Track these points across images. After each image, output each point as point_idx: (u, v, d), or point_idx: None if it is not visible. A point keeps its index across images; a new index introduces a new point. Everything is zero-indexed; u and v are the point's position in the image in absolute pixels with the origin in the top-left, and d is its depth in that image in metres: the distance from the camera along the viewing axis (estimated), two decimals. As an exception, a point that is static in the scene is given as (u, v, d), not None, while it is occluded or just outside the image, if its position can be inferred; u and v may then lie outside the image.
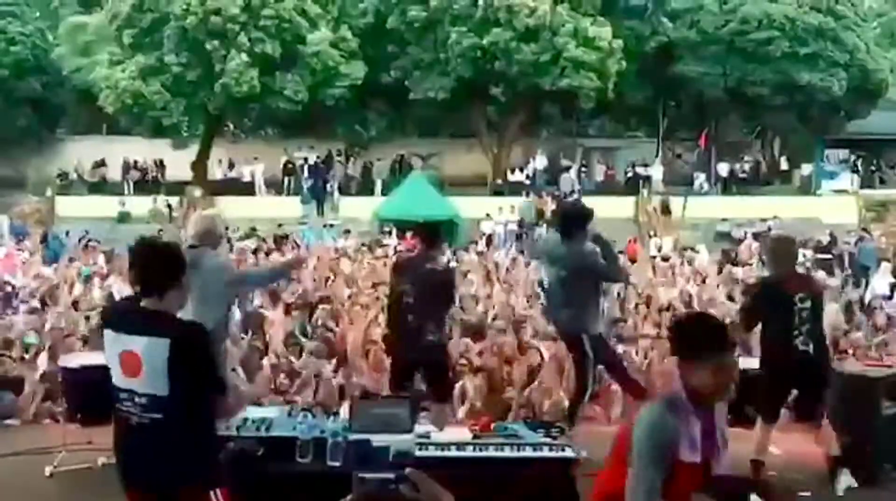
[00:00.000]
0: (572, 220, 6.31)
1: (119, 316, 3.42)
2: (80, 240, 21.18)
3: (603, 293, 6.83)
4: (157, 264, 3.34)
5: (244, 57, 25.25)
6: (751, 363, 6.48)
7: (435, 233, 6.49)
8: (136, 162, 29.15)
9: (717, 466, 2.91)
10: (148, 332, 3.20)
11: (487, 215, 25.13)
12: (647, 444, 2.75)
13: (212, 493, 3.27)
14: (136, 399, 3.22)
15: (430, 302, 5.98)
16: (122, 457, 3.41)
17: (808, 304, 5.25)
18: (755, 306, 5.68)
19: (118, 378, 3.29)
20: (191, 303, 4.70)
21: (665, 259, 18.13)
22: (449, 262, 6.35)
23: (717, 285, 13.44)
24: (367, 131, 29.14)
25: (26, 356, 7.98)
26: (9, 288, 12.33)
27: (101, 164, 29.15)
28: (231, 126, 34.17)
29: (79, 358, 6.03)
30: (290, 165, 28.50)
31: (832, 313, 10.19)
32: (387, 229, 21.62)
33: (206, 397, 3.30)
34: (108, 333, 3.34)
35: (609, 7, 27.18)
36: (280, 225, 22.74)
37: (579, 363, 6.35)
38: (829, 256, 20.42)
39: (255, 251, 17.00)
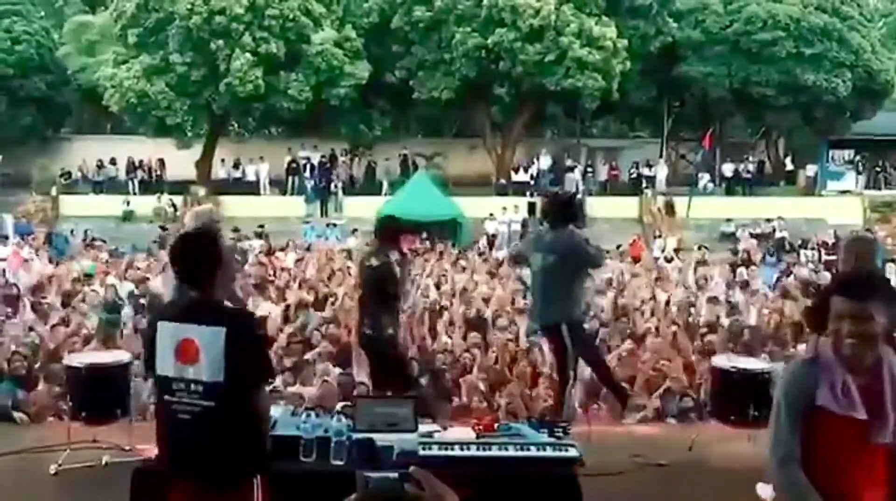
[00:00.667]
0: (560, 207, 6.40)
1: (176, 308, 3.51)
2: (83, 239, 21.27)
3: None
4: (201, 254, 3.42)
5: (248, 56, 25.28)
6: (755, 364, 6.48)
7: (382, 228, 6.60)
8: (140, 161, 29.18)
9: (886, 431, 2.79)
10: (205, 320, 3.32)
11: (491, 214, 25.15)
12: (781, 393, 2.80)
13: (255, 480, 3.38)
14: (192, 387, 3.30)
15: (370, 297, 6.39)
16: (172, 450, 3.45)
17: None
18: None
19: (171, 368, 3.35)
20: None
21: (668, 260, 18.14)
22: (390, 257, 6.41)
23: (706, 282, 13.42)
24: (371, 131, 29.14)
25: (28, 355, 7.98)
26: (14, 287, 12.35)
27: (106, 163, 29.15)
28: (235, 125, 34.29)
29: (84, 357, 6.05)
30: (293, 165, 28.52)
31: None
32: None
33: (256, 387, 3.37)
34: (163, 324, 3.41)
35: (614, 7, 27.15)
36: (261, 226, 22.15)
37: (559, 353, 6.39)
38: (834, 257, 20.37)
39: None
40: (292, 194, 28.19)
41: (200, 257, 3.41)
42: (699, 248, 18.58)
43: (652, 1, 27.01)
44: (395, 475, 1.92)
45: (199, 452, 3.34)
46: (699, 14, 28.06)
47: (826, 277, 15.21)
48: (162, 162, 29.07)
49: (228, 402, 3.31)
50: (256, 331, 3.44)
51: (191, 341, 3.31)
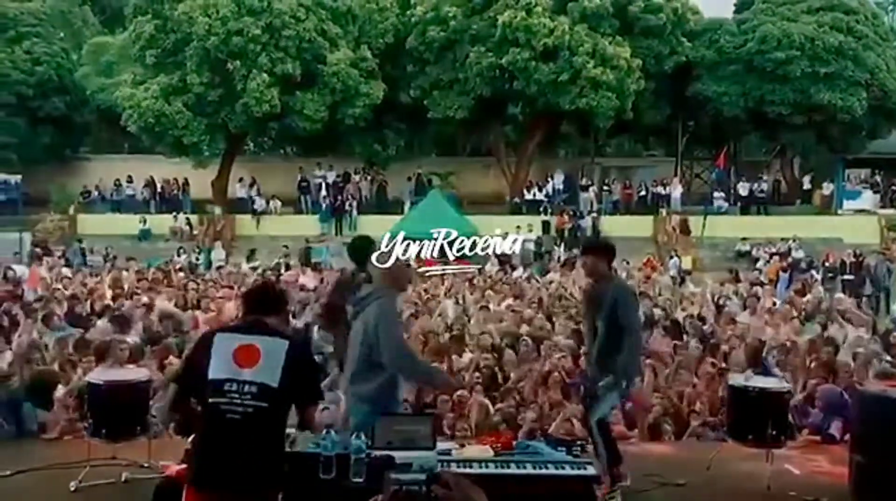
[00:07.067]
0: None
1: (236, 326, 3.83)
2: (104, 257, 21.43)
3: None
4: (267, 298, 3.93)
5: (265, 77, 25.50)
6: (773, 383, 6.45)
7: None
8: (157, 180, 29.43)
9: None
10: (269, 333, 3.69)
11: (506, 233, 25.12)
12: None
13: (278, 496, 3.65)
14: (246, 388, 3.52)
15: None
16: (209, 453, 3.56)
17: None
18: None
19: (225, 370, 3.55)
20: None
21: (683, 279, 18.08)
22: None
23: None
24: (386, 150, 29.29)
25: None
26: (31, 304, 12.40)
27: (123, 182, 29.42)
28: (251, 145, 34.52)
29: (105, 374, 6.05)
30: (304, 184, 28.73)
31: (860, 334, 10.13)
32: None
33: (314, 404, 3.82)
34: (220, 336, 3.70)
35: (627, 27, 27.23)
36: (218, 267, 20.76)
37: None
38: (853, 277, 20.25)
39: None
40: (306, 212, 28.33)
41: (268, 300, 3.90)
42: (732, 273, 18.32)
43: (666, 21, 27.02)
44: (423, 476, 1.94)
45: (240, 454, 3.48)
46: (713, 34, 28.09)
47: (842, 299, 15.09)
48: (178, 181, 29.28)
49: (277, 408, 3.57)
50: (311, 353, 3.82)
51: (251, 346, 3.59)
